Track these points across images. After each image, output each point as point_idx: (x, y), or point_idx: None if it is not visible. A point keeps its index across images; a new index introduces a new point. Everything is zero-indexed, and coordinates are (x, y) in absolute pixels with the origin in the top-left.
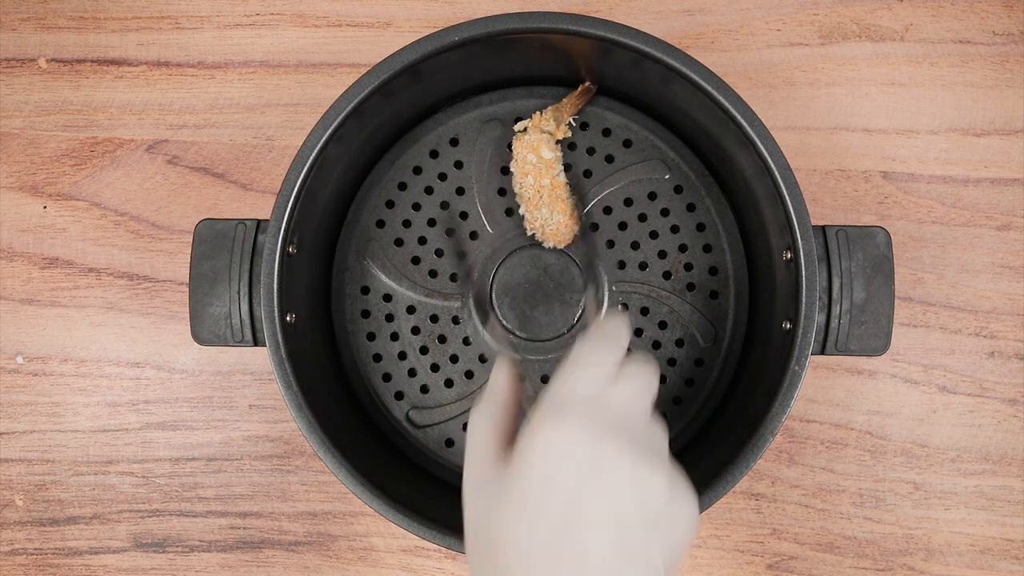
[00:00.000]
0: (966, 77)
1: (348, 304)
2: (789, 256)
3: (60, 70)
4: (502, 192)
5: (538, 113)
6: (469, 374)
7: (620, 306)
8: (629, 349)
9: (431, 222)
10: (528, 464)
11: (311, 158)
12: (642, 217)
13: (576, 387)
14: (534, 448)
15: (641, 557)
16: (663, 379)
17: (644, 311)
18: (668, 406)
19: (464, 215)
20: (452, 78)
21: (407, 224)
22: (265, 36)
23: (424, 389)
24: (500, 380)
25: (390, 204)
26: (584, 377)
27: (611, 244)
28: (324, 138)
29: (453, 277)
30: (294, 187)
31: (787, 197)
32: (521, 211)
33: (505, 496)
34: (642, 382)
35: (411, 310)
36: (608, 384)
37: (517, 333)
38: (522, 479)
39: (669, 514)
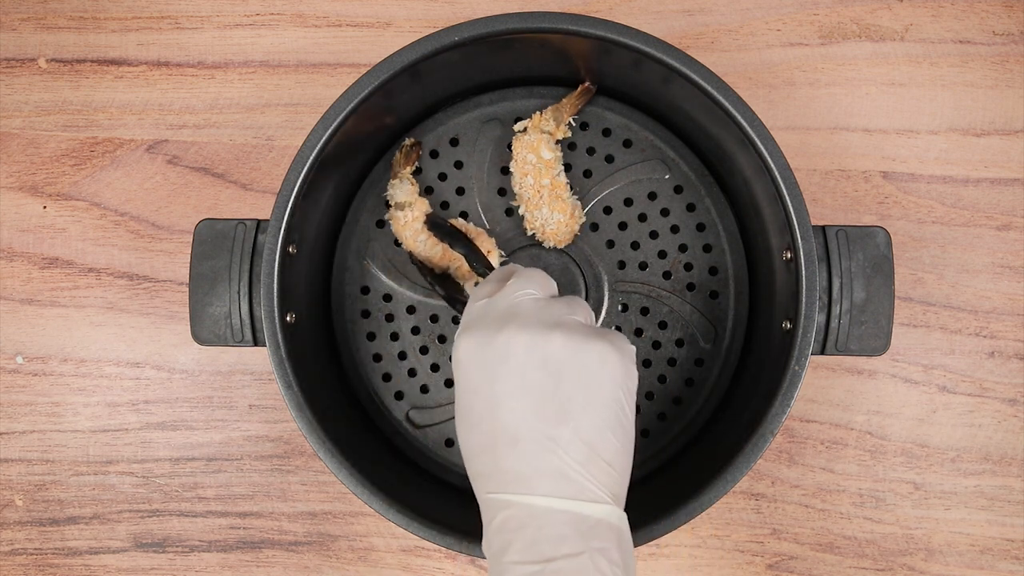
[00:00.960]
0: (966, 77)
1: (348, 304)
2: (789, 256)
3: (60, 70)
4: (502, 192)
5: (538, 113)
6: None
7: (620, 306)
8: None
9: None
10: (456, 386)
11: (311, 158)
12: (642, 217)
13: (467, 312)
14: (455, 372)
15: (562, 409)
16: (663, 379)
17: (644, 311)
18: (668, 406)
19: (464, 215)
20: (452, 78)
21: None
22: (265, 36)
23: (424, 389)
24: None
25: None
26: (471, 304)
27: (611, 244)
28: (324, 138)
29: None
30: (294, 187)
31: (787, 197)
32: (521, 211)
33: (456, 418)
34: (519, 279)
35: (411, 310)
36: (489, 299)
37: None
38: (457, 399)
39: (574, 361)
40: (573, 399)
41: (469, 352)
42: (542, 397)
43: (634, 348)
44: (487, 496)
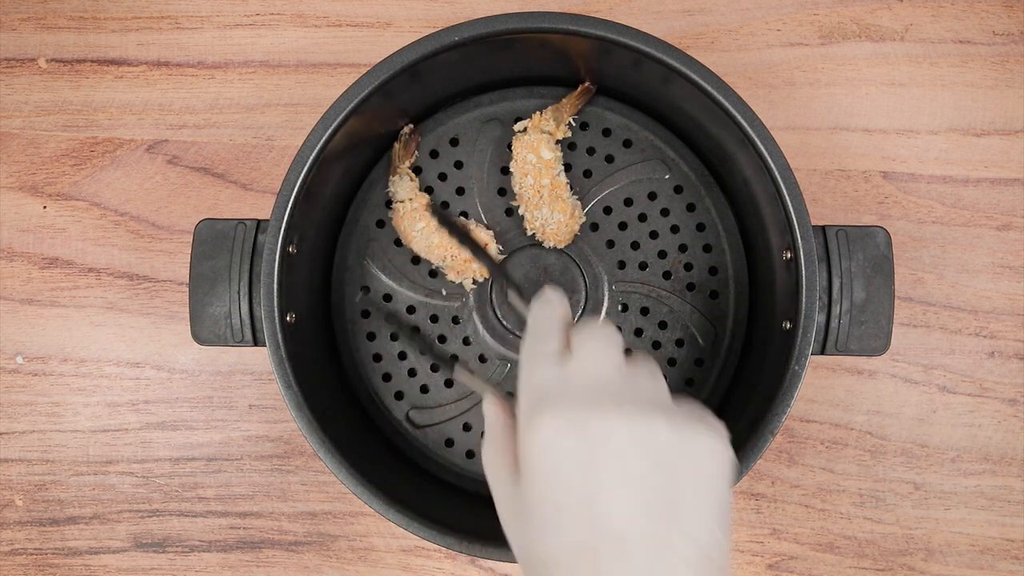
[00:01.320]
0: (966, 77)
1: (348, 304)
2: (789, 256)
3: (60, 70)
4: (502, 192)
5: (538, 113)
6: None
7: (620, 306)
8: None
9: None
10: (528, 475)
11: (311, 158)
12: (642, 217)
13: (533, 380)
14: (526, 457)
15: (673, 506)
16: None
17: (644, 311)
18: None
19: (464, 215)
20: (452, 78)
21: None
22: (265, 36)
23: (424, 389)
24: (489, 412)
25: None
26: (535, 369)
27: (611, 244)
28: (324, 138)
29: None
30: (294, 187)
31: (787, 197)
32: (521, 211)
33: (527, 515)
34: (596, 341)
35: (411, 310)
36: (560, 364)
37: (517, 333)
38: (531, 491)
39: (682, 452)
40: (684, 495)
41: (556, 436)
42: (651, 493)
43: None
44: None
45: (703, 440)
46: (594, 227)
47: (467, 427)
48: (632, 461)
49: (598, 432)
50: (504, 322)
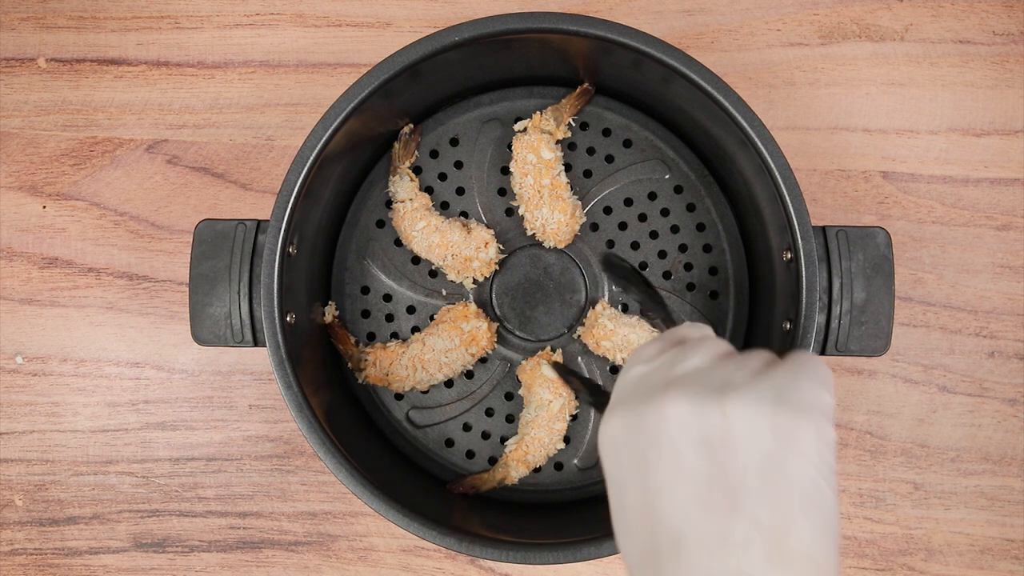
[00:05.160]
0: (966, 77)
1: (348, 304)
2: (789, 256)
3: (60, 70)
4: (502, 192)
5: (538, 113)
6: (469, 374)
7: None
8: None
9: None
10: (604, 471)
11: (311, 158)
12: (642, 217)
13: (621, 380)
14: (601, 452)
15: (732, 495)
16: None
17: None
18: None
19: (464, 215)
20: (452, 78)
21: None
22: (265, 36)
23: (424, 389)
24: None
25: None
26: (628, 367)
27: (611, 244)
28: (324, 138)
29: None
30: (294, 187)
31: (787, 197)
32: (521, 211)
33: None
34: (694, 347)
35: (411, 310)
36: (650, 362)
37: (517, 333)
38: (608, 490)
39: (748, 436)
40: (747, 482)
41: (614, 435)
42: (705, 484)
43: (830, 402)
44: None
45: (765, 418)
46: (594, 227)
47: (467, 427)
48: (685, 452)
49: (651, 425)
50: (505, 323)
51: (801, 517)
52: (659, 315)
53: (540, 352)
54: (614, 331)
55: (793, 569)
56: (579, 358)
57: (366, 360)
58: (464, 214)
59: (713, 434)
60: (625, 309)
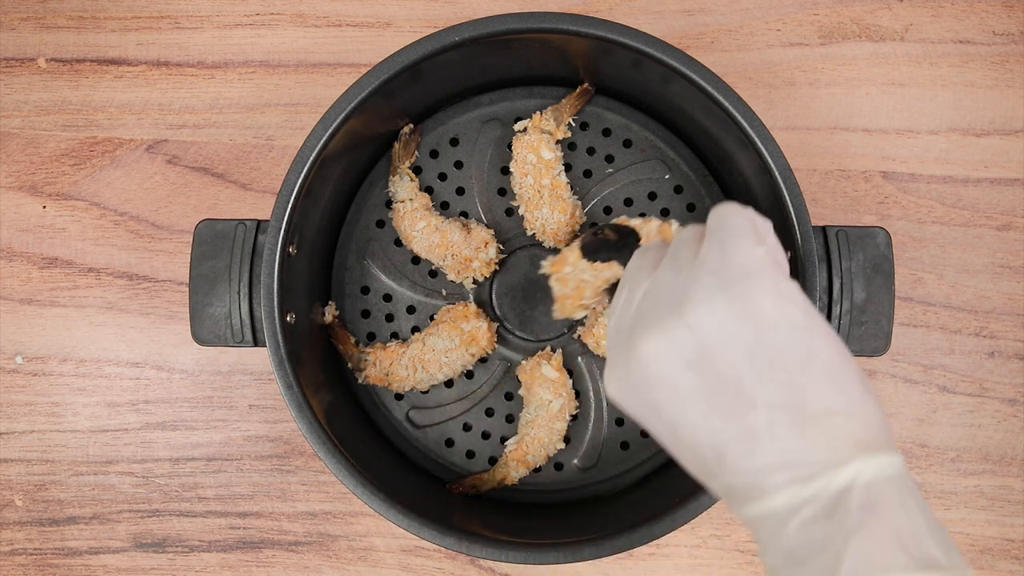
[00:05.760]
0: (966, 77)
1: (348, 304)
2: (789, 256)
3: (59, 70)
4: (502, 192)
5: (538, 113)
6: (469, 374)
7: None
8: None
9: None
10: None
11: (311, 158)
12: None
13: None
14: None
15: (736, 394)
16: None
17: None
18: None
19: (464, 215)
20: (452, 78)
21: None
22: (265, 36)
23: (424, 389)
24: None
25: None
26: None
27: None
28: (324, 138)
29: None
30: (294, 187)
31: (787, 197)
32: (521, 211)
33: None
34: (635, 267)
35: (411, 310)
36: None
37: (517, 333)
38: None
39: (721, 337)
40: (743, 375)
41: (615, 395)
42: (710, 395)
43: (763, 253)
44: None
45: (719, 311)
46: (594, 227)
47: (467, 427)
48: (677, 378)
49: (637, 372)
50: (505, 323)
51: (804, 379)
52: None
53: (540, 352)
54: None
55: (822, 428)
56: (579, 358)
57: (366, 360)
58: (464, 214)
59: (690, 351)
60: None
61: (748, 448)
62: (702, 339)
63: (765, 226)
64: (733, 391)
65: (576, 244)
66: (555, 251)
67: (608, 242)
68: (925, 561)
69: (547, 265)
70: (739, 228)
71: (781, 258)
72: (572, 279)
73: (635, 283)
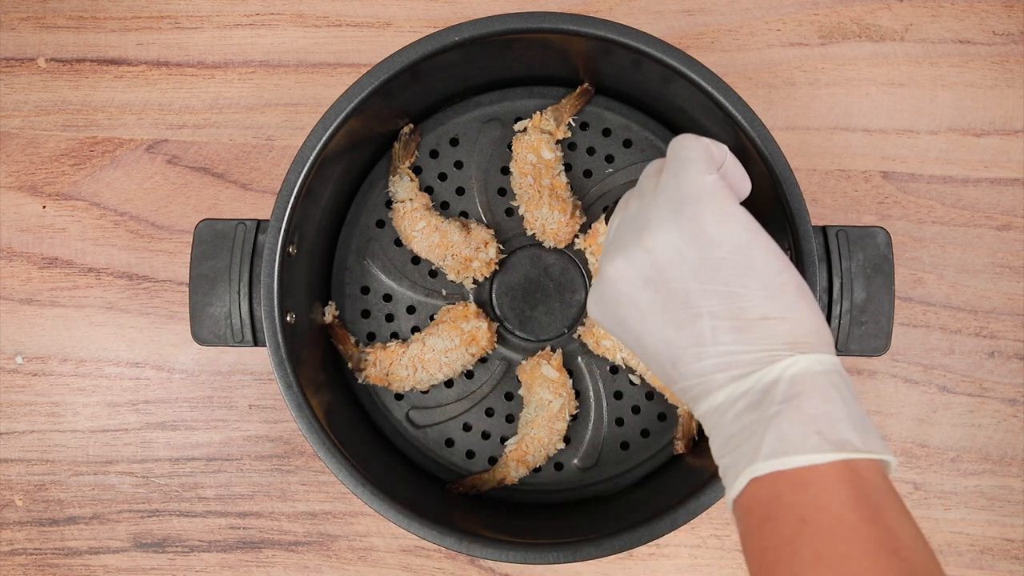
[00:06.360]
0: (966, 77)
1: (348, 304)
2: (789, 255)
3: (59, 70)
4: (502, 192)
5: (538, 113)
6: (469, 374)
7: None
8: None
9: None
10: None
11: (311, 158)
12: None
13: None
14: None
15: (686, 305)
16: None
17: None
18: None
19: (464, 215)
20: (452, 78)
21: None
22: (265, 36)
23: (424, 389)
24: None
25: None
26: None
27: None
28: (324, 138)
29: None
30: (294, 187)
31: (787, 197)
32: (521, 211)
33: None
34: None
35: (411, 310)
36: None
37: (517, 333)
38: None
39: (666, 250)
40: (690, 289)
41: (595, 316)
42: (664, 309)
43: (711, 179)
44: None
45: (662, 229)
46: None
47: (467, 427)
48: (636, 294)
49: (607, 291)
50: (505, 323)
51: (742, 290)
52: None
53: (540, 352)
54: None
55: (758, 332)
56: (579, 358)
57: (366, 360)
58: (464, 214)
59: (647, 271)
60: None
61: (695, 353)
62: (656, 260)
63: (719, 152)
64: (682, 304)
65: (604, 216)
66: (556, 251)
67: None
68: (838, 444)
69: (581, 241)
70: (691, 157)
71: (738, 181)
72: None
73: (616, 215)
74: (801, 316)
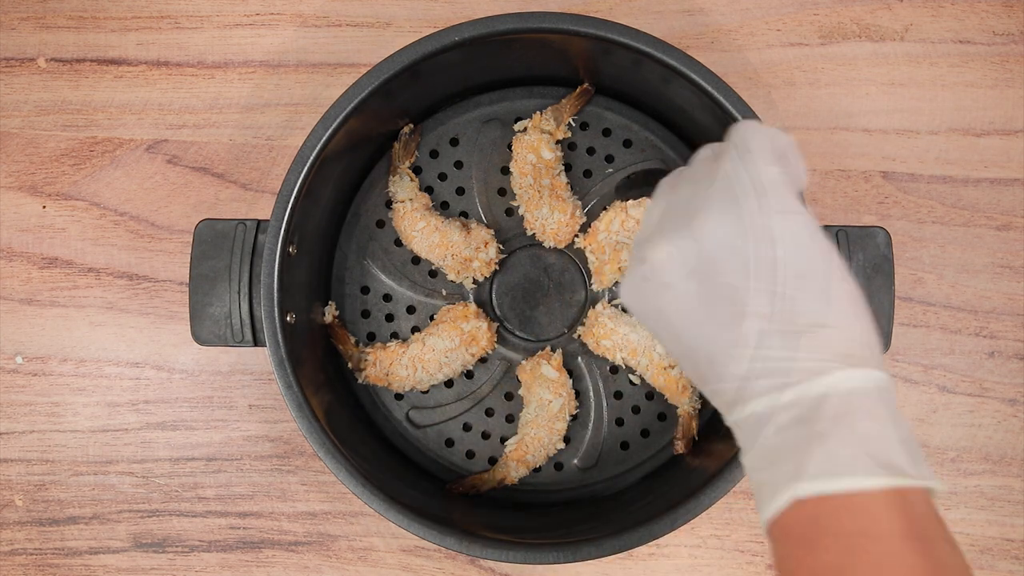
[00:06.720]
0: (966, 77)
1: (348, 304)
2: None
3: (59, 70)
4: (502, 192)
5: (538, 113)
6: (469, 374)
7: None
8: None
9: None
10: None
11: (311, 158)
12: None
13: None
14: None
15: (732, 303)
16: None
17: None
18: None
19: (464, 215)
20: (452, 78)
21: None
22: (265, 36)
23: (424, 389)
24: None
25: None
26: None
27: None
28: (324, 138)
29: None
30: (294, 187)
31: None
32: (521, 211)
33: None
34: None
35: (411, 310)
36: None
37: (517, 333)
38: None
39: (715, 246)
40: (738, 286)
41: (628, 300)
42: (707, 303)
43: (775, 172)
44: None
45: (717, 220)
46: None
47: (467, 427)
48: (679, 285)
49: (650, 277)
50: (505, 323)
51: (797, 293)
52: None
53: (540, 352)
54: (614, 330)
55: (808, 340)
56: (579, 358)
57: (366, 360)
58: (464, 214)
59: (694, 260)
60: (625, 309)
61: (736, 355)
62: (706, 250)
63: (786, 143)
64: (728, 301)
65: (602, 215)
66: (556, 251)
67: (640, 181)
68: (889, 468)
69: (581, 241)
70: (756, 146)
71: (799, 177)
72: (608, 245)
73: (660, 199)
74: (855, 327)
